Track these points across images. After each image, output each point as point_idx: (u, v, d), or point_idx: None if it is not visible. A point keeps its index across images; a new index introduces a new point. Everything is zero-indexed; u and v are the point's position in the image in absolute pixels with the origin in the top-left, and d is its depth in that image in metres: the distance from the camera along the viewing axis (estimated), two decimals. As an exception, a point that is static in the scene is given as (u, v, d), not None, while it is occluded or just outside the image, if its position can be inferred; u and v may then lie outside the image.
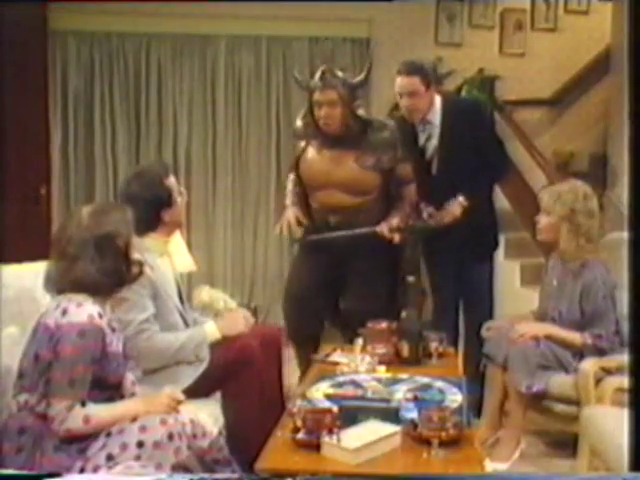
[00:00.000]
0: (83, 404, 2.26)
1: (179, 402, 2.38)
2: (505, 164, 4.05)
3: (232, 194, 5.96)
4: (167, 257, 3.06)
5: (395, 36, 5.86)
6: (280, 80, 5.93)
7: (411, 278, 3.35)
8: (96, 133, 5.85)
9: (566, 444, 3.35)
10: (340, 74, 3.88)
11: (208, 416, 2.70)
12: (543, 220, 3.45)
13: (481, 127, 3.91)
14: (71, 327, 2.26)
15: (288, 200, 4.11)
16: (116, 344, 2.41)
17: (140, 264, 2.50)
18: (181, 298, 3.08)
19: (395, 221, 3.85)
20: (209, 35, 5.87)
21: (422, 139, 3.93)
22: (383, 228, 3.86)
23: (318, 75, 3.88)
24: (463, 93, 5.48)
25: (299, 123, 4.06)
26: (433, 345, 3.33)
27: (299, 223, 3.98)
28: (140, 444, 2.21)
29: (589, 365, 3.19)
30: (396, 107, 5.65)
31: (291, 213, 4.00)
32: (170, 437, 2.24)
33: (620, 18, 4.90)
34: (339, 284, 4.01)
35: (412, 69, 3.83)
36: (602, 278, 3.32)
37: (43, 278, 2.41)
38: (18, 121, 5.04)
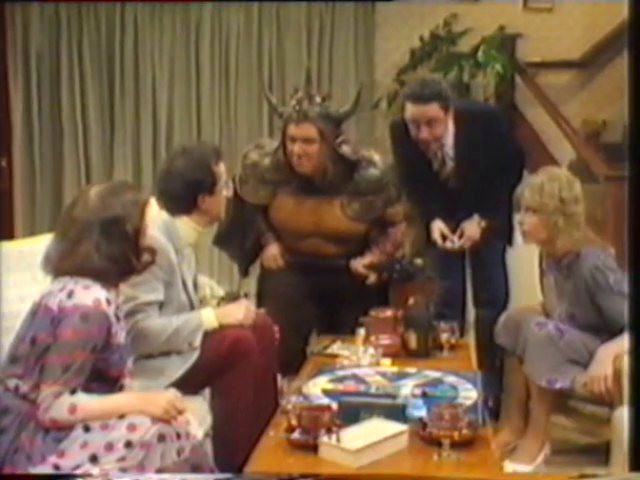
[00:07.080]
0: (73, 393, 2.29)
1: (180, 412, 2.37)
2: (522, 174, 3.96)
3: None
4: (194, 249, 3.14)
5: (403, -9, 5.84)
6: (273, 43, 5.92)
7: (419, 261, 3.37)
8: (63, 100, 5.88)
9: (597, 450, 3.34)
10: (319, 103, 3.74)
11: (194, 416, 2.70)
12: (529, 220, 3.38)
13: (496, 136, 3.78)
14: (75, 310, 2.31)
15: (264, 237, 4.05)
16: (121, 335, 2.47)
17: (152, 251, 2.58)
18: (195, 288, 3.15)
19: (371, 259, 3.90)
20: (193, -10, 5.86)
21: (436, 165, 3.83)
22: (357, 265, 3.91)
23: (293, 103, 3.75)
24: (480, 54, 5.43)
25: (266, 161, 3.90)
26: (444, 336, 3.36)
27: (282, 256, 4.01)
28: (128, 444, 2.24)
29: (622, 361, 3.19)
30: (404, 71, 5.70)
31: (275, 250, 4.01)
32: (161, 438, 2.27)
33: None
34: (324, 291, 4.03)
35: (429, 95, 3.63)
36: (602, 263, 3.27)
37: (42, 258, 2.46)
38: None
